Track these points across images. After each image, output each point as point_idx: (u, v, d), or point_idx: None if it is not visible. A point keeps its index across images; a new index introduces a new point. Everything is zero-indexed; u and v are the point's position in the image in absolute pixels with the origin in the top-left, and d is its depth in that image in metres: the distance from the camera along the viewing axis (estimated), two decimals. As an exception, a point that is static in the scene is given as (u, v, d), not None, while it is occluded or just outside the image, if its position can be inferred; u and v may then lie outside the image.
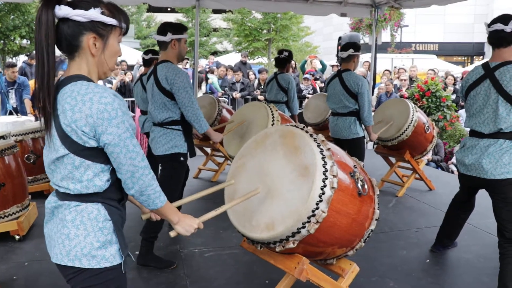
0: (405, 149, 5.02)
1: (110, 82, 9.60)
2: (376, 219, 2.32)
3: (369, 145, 6.90)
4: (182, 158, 3.29)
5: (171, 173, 3.31)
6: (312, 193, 2.00)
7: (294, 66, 11.32)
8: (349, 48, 4.37)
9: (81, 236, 1.47)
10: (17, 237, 3.71)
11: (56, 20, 1.43)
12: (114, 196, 1.54)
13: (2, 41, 14.45)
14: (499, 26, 2.80)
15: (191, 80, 7.21)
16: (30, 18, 13.88)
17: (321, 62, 12.40)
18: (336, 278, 2.40)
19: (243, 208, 2.25)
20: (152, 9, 29.70)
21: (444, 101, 8.43)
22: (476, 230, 4.03)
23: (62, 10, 1.41)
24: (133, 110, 8.22)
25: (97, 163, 1.46)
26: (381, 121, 5.08)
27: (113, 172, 1.49)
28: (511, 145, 2.77)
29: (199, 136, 3.74)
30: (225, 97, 10.39)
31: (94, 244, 1.47)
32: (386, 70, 12.86)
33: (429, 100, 8.47)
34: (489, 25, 2.88)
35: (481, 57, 28.40)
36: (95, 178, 1.46)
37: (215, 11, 24.71)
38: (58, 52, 1.49)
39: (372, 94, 9.10)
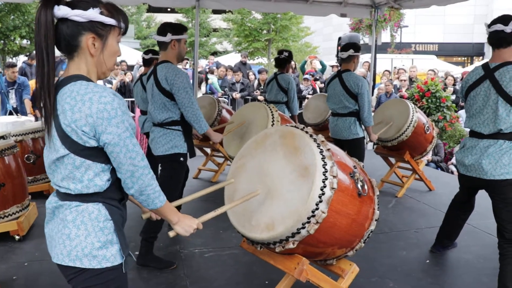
0: (405, 149, 5.03)
1: (110, 82, 9.61)
2: (376, 220, 2.33)
3: (369, 146, 6.90)
4: (182, 159, 3.29)
5: (171, 173, 3.31)
6: (312, 194, 2.00)
7: (294, 66, 11.32)
8: (349, 49, 4.37)
9: (82, 236, 1.47)
10: (17, 237, 3.71)
11: (55, 21, 1.43)
12: (115, 196, 1.54)
13: (2, 41, 14.45)
14: (499, 26, 2.80)
15: (191, 81, 7.21)
16: (30, 18, 13.87)
17: (321, 63, 12.41)
18: (336, 279, 2.40)
19: (242, 208, 2.25)
20: (152, 9, 29.73)
21: (444, 101, 8.44)
22: (476, 231, 4.03)
23: (61, 11, 1.41)
24: (133, 110, 8.22)
25: (98, 163, 1.46)
26: (381, 121, 5.08)
27: (113, 171, 1.50)
28: (511, 146, 2.77)
29: (199, 137, 3.75)
30: (225, 98, 10.40)
31: (95, 244, 1.47)
32: (386, 70, 12.86)
33: (429, 100, 8.48)
34: (489, 26, 2.88)
35: (480, 57, 28.41)
36: (95, 178, 1.46)
37: (215, 12, 24.75)
38: (58, 52, 1.49)
39: (372, 95, 9.10)
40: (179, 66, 3.47)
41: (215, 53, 25.16)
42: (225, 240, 3.77)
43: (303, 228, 2.02)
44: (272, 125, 3.90)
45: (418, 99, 8.58)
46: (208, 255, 3.51)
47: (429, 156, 7.36)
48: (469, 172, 2.95)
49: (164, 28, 3.21)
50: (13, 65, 7.61)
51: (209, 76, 11.12)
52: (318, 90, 10.63)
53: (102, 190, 1.48)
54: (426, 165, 7.00)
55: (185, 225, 1.65)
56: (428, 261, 3.44)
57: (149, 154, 3.45)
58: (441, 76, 11.77)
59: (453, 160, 7.57)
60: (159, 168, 3.50)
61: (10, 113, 7.02)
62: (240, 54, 15.48)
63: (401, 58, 17.74)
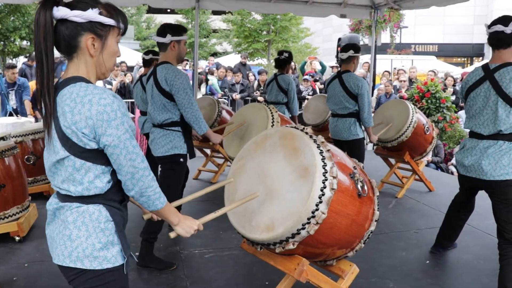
0: (405, 150, 5.03)
1: (110, 83, 9.61)
2: (375, 220, 2.33)
3: (369, 146, 6.91)
4: (181, 159, 3.29)
5: (170, 175, 3.31)
6: (312, 194, 2.00)
7: (294, 67, 11.32)
8: (349, 50, 4.38)
9: (83, 237, 1.47)
10: (17, 238, 3.71)
11: (55, 22, 1.43)
12: (116, 197, 1.54)
13: (2, 43, 14.45)
14: (499, 27, 2.81)
15: (191, 82, 7.21)
16: (30, 19, 13.88)
17: (321, 63, 12.41)
18: (336, 279, 2.40)
19: (243, 209, 2.25)
20: (151, 10, 29.70)
21: (444, 102, 8.44)
22: (476, 231, 4.03)
23: (60, 11, 1.41)
24: (132, 111, 8.22)
25: (98, 165, 1.46)
26: (380, 122, 5.09)
27: (114, 173, 1.49)
28: (510, 147, 2.78)
29: (199, 137, 3.74)
30: (225, 98, 10.40)
31: (96, 245, 1.47)
32: (385, 71, 12.87)
33: (429, 101, 8.48)
34: (489, 26, 2.88)
35: (480, 58, 28.41)
36: (96, 179, 1.46)
37: (215, 12, 24.74)
38: (57, 53, 1.49)
39: (372, 95, 9.10)
40: (179, 67, 3.46)
41: (215, 54, 25.17)
42: (225, 241, 3.77)
43: (303, 228, 2.02)
44: (272, 126, 3.90)
45: (418, 100, 8.59)
46: (208, 256, 3.51)
47: (429, 157, 7.36)
48: (469, 173, 2.95)
49: (164, 29, 3.21)
50: (13, 66, 7.62)
51: (209, 77, 11.12)
52: (318, 91, 10.63)
53: (102, 192, 1.48)
54: (426, 165, 7.00)
55: (185, 226, 1.65)
56: (428, 261, 3.44)
57: (149, 155, 3.45)
58: (441, 77, 11.77)
59: (453, 161, 7.57)
60: (159, 169, 3.51)
61: (10, 114, 7.02)
62: (240, 55, 15.48)
63: (400, 58, 17.77)
